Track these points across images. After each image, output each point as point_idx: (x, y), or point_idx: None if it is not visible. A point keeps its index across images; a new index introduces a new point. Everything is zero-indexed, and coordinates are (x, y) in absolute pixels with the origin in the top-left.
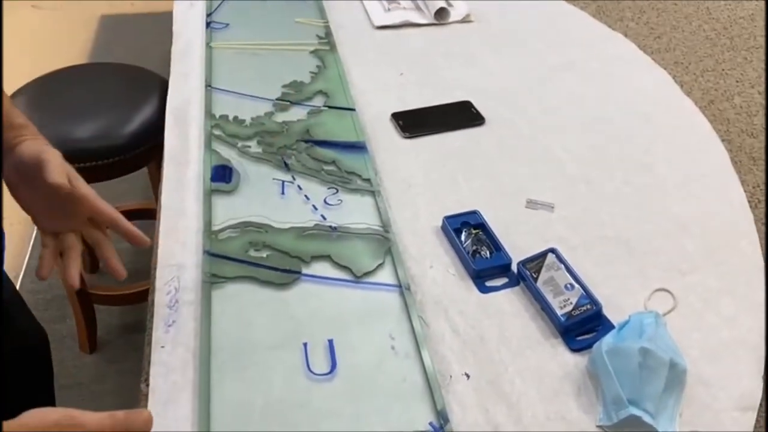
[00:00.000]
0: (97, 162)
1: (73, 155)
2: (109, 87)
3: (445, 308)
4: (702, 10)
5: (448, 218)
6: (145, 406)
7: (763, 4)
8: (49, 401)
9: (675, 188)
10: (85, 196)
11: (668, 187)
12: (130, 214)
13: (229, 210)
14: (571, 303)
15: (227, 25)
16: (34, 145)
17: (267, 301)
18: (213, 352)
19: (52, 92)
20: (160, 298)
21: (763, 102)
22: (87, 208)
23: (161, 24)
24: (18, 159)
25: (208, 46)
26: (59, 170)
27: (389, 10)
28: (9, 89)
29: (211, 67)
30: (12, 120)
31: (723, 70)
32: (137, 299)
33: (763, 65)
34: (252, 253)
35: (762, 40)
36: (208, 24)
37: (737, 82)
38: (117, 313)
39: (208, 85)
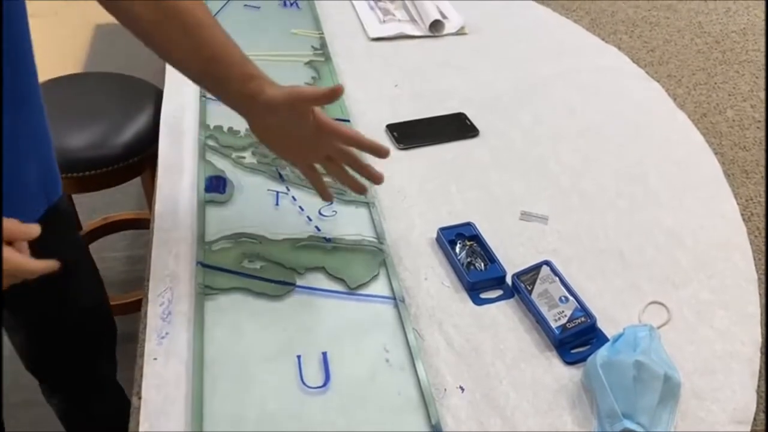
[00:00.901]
0: (92, 171)
1: (67, 165)
2: (103, 97)
3: (440, 321)
4: (694, 24)
5: (442, 230)
6: (137, 419)
7: (755, 19)
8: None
9: (668, 201)
10: (329, 122)
11: (662, 199)
12: (124, 224)
13: (222, 221)
14: (565, 316)
15: None
16: (277, 87)
17: (261, 313)
18: (206, 365)
19: (46, 102)
20: (153, 309)
21: (755, 116)
22: (333, 132)
23: None
24: (267, 103)
25: None
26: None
27: (384, 22)
28: None
29: None
30: (251, 71)
31: (715, 83)
32: (130, 309)
33: (755, 79)
34: (246, 264)
35: (754, 54)
36: None
37: (729, 95)
38: None
39: (203, 96)
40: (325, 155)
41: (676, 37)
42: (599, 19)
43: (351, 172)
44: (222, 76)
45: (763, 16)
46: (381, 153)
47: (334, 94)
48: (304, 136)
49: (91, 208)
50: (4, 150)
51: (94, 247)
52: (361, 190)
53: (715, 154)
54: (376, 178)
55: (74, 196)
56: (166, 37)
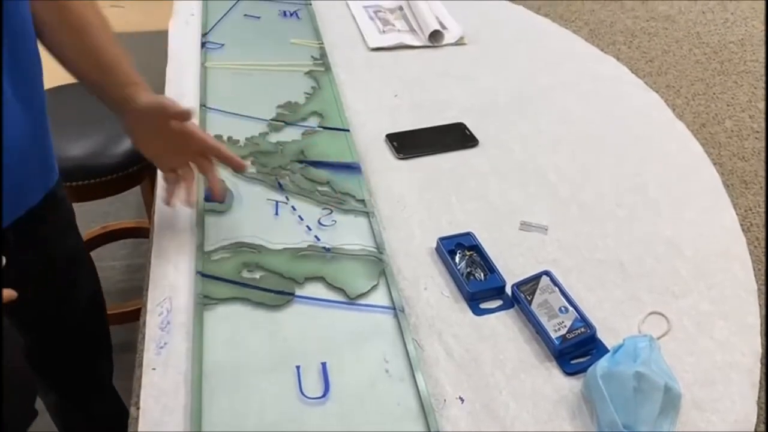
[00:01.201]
0: (91, 180)
1: (67, 173)
2: (103, 105)
3: (439, 331)
4: (693, 35)
5: (442, 240)
6: (135, 428)
7: (753, 30)
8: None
9: (668, 211)
10: (194, 131)
11: (661, 209)
12: (123, 233)
13: (222, 230)
14: (565, 326)
15: (222, 45)
16: (149, 96)
17: (260, 323)
18: (205, 375)
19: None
20: (152, 319)
21: (754, 126)
22: (196, 141)
23: (156, 42)
24: (138, 109)
25: (203, 66)
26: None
27: (384, 32)
28: None
29: (205, 88)
30: (131, 78)
31: (714, 94)
32: (128, 319)
33: (753, 90)
34: (245, 274)
35: (752, 65)
36: (203, 44)
37: (728, 105)
38: None
39: (203, 105)
40: (186, 161)
41: (674, 47)
42: (598, 30)
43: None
44: (104, 80)
45: (761, 27)
46: (238, 167)
47: (187, 115)
48: (167, 141)
49: (90, 217)
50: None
51: (92, 256)
52: (220, 196)
53: (714, 164)
54: (239, 167)
55: (73, 205)
56: (57, 39)
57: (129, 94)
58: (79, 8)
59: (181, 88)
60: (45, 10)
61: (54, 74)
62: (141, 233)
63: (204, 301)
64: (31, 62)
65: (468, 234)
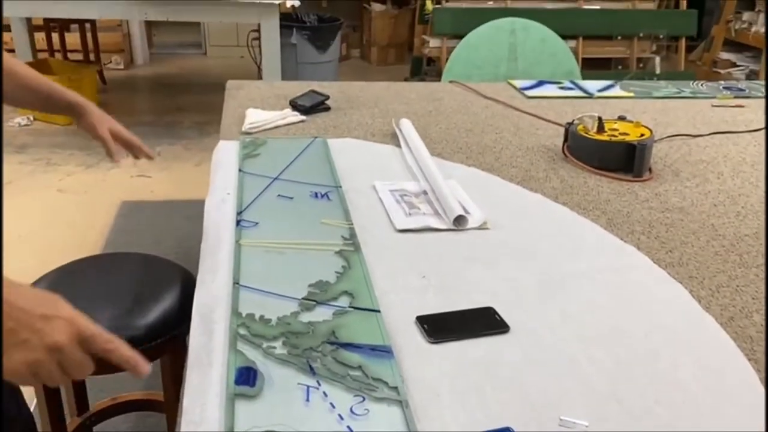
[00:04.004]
0: None
1: None
2: (126, 277)
3: None
4: (708, 227)
5: None
6: None
7: (764, 223)
8: None
9: (708, 409)
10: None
11: (700, 406)
12: (132, 405)
13: (251, 416)
14: None
15: (256, 223)
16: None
17: None
18: None
19: (69, 283)
20: None
21: None
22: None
23: (179, 209)
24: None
25: (237, 244)
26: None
27: (410, 214)
28: (31, 271)
29: (239, 265)
30: (73, 98)
31: (737, 286)
32: None
33: None
34: None
35: None
36: (237, 222)
37: (753, 299)
38: None
39: (236, 283)
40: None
41: (692, 239)
42: (615, 219)
43: None
44: (54, 106)
45: None
46: (146, 156)
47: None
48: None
49: (99, 386)
50: None
51: (98, 429)
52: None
53: (749, 360)
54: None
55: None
56: (11, 95)
57: (75, 111)
58: (18, 69)
59: (215, 263)
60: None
61: (81, 240)
62: (153, 406)
63: None
64: None
65: (507, 429)
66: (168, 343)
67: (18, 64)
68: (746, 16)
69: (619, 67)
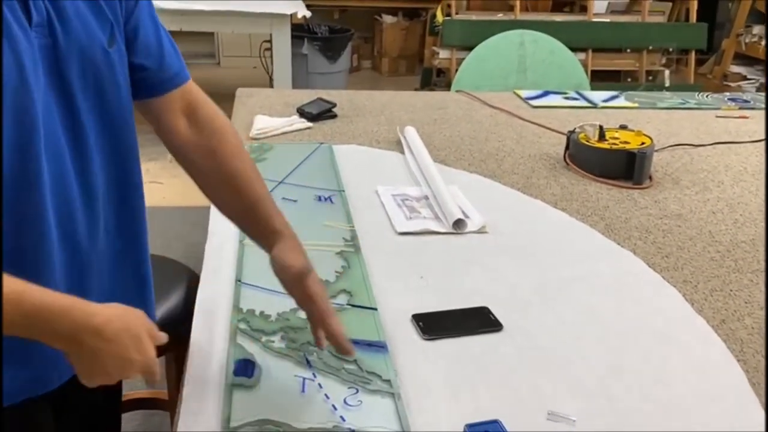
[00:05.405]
0: None
1: None
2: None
3: None
4: (705, 234)
5: (470, 426)
6: None
7: (762, 231)
8: None
9: (695, 408)
10: (313, 294)
11: (688, 406)
12: (136, 403)
13: (248, 406)
14: None
15: None
16: (278, 252)
17: None
18: None
19: None
20: None
21: None
22: (311, 303)
23: (191, 216)
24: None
25: (241, 243)
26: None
27: (411, 218)
28: None
29: (242, 263)
30: (273, 226)
31: (731, 290)
32: None
33: None
34: None
35: (765, 265)
36: None
37: (746, 303)
38: None
39: (238, 280)
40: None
41: (688, 244)
42: (613, 225)
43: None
44: (251, 227)
45: None
46: (345, 352)
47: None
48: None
49: None
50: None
51: None
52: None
53: (738, 361)
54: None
55: None
56: (212, 190)
57: (269, 243)
58: (237, 164)
59: (220, 261)
60: (208, 161)
61: None
62: (155, 405)
63: None
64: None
65: (495, 422)
66: (172, 342)
67: (239, 154)
68: (757, 29)
69: (629, 79)
